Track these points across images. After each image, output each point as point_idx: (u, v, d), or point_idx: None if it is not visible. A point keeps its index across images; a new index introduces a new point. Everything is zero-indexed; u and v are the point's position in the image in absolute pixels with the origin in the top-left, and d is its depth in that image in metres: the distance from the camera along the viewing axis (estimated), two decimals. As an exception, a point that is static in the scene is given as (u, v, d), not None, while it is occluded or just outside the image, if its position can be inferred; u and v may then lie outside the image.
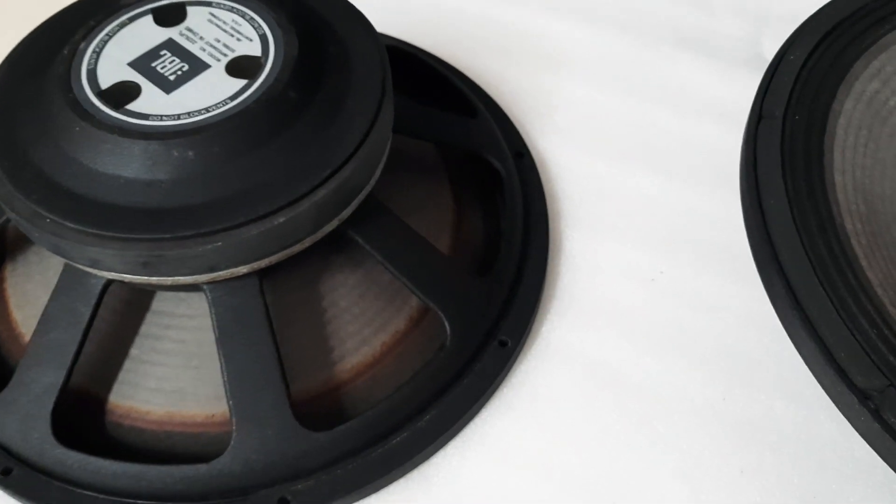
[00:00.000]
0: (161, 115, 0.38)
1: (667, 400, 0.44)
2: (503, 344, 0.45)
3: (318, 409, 0.42)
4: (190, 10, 0.43)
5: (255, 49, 0.41)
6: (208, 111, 0.38)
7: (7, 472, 0.40)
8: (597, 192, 0.53)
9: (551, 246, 0.49)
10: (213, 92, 0.39)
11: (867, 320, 0.33)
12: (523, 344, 0.46)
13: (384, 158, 0.42)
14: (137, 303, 0.43)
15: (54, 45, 0.42)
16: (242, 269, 0.38)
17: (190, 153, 0.37)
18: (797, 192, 0.36)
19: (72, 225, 0.36)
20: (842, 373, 0.33)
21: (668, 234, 0.51)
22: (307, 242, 0.39)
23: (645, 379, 0.45)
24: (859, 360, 0.33)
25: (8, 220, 0.44)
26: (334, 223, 0.40)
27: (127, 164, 0.37)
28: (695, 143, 0.55)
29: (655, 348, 0.46)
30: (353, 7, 0.45)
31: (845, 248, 0.35)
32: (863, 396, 0.33)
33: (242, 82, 0.39)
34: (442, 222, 0.48)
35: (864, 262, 0.35)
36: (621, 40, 0.62)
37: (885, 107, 0.40)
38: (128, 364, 0.42)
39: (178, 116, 0.38)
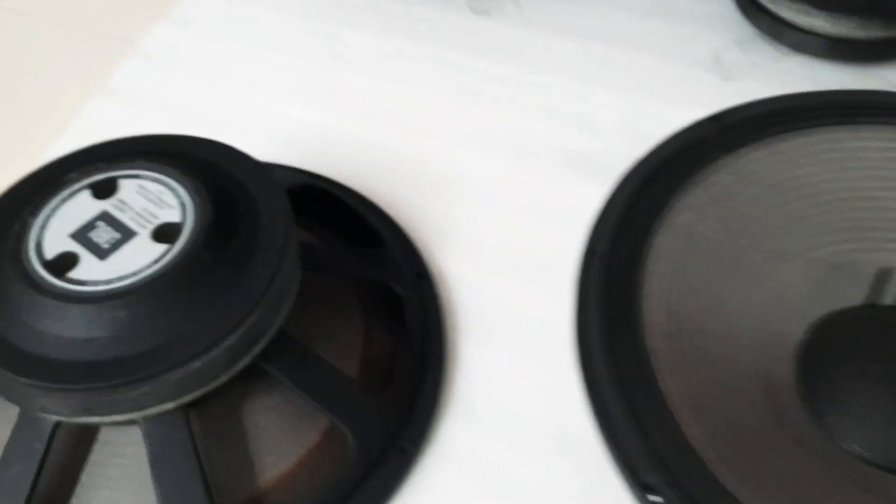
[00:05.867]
0: (96, 281, 0.46)
1: (551, 497, 0.50)
2: (403, 450, 0.52)
3: (245, 519, 0.49)
4: (121, 182, 0.50)
5: (175, 216, 0.48)
6: (136, 275, 0.46)
7: None
8: (492, 304, 0.60)
9: (448, 356, 0.57)
10: (140, 257, 0.46)
11: (657, 427, 0.41)
12: (422, 449, 0.53)
13: (291, 299, 0.50)
14: (86, 435, 0.50)
15: (8, 218, 0.49)
16: (169, 406, 0.46)
17: (120, 313, 0.44)
18: (614, 319, 0.44)
19: (24, 380, 0.44)
20: (633, 471, 0.41)
21: (555, 344, 0.58)
22: (223, 378, 0.46)
23: (531, 477, 0.51)
24: (646, 460, 0.41)
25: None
26: (247, 359, 0.47)
27: (68, 326, 0.44)
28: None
29: (539, 449, 0.52)
30: (261, 166, 0.53)
31: (644, 367, 0.42)
32: (650, 490, 0.40)
33: (165, 247, 0.47)
34: (351, 346, 0.55)
35: (666, 375, 0.42)
36: (516, 164, 0.70)
37: (695, 234, 0.48)
38: (78, 490, 0.49)
39: (110, 281, 0.45)
